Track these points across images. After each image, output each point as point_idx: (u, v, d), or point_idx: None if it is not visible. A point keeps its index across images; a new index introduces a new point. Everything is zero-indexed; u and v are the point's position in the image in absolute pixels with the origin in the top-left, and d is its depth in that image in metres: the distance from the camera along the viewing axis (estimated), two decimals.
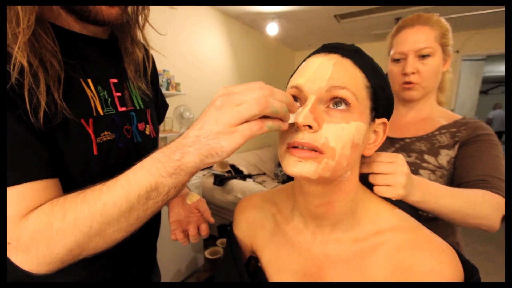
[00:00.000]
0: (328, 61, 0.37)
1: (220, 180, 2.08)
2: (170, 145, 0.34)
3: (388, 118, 0.41)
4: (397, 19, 3.02)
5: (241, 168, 2.61)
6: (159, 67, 1.91)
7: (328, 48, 0.39)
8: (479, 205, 0.54)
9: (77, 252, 0.35)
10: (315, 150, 0.34)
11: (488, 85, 6.86)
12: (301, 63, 0.42)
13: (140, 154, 0.55)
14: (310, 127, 0.34)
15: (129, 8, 0.56)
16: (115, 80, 0.53)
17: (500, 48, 3.25)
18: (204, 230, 0.57)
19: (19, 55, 0.37)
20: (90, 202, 0.34)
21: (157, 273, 0.72)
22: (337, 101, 0.35)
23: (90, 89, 0.47)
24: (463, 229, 0.71)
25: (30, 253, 0.34)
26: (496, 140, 0.67)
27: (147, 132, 0.59)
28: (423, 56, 0.68)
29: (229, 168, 2.47)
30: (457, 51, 3.43)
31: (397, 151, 0.72)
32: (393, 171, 0.44)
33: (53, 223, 0.34)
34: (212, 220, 0.59)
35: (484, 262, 2.25)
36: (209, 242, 2.10)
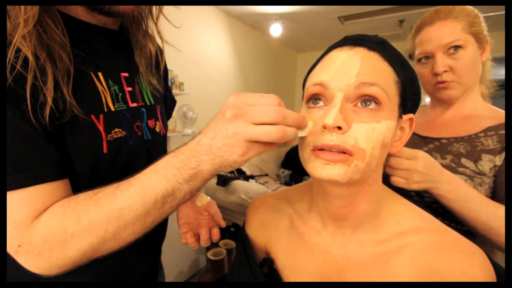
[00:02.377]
0: (354, 56, 0.35)
1: (223, 181, 2.07)
2: (183, 150, 0.33)
3: (414, 113, 0.39)
4: (401, 21, 3.02)
5: (244, 168, 2.60)
6: None
7: (352, 41, 0.37)
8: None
9: (90, 255, 0.35)
10: (343, 152, 0.32)
11: None
12: (321, 57, 0.40)
13: (150, 152, 0.53)
14: (339, 128, 0.32)
15: None
16: (126, 74, 0.51)
17: (500, 52, 3.24)
18: (216, 234, 0.55)
19: (23, 47, 0.34)
20: (105, 207, 0.33)
21: (162, 274, 0.70)
22: (366, 99, 0.33)
23: (101, 83, 0.45)
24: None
25: (42, 256, 0.33)
26: None
27: (157, 129, 0.57)
28: (454, 49, 0.60)
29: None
30: None
31: (430, 151, 0.65)
32: (409, 168, 0.47)
33: (66, 227, 0.33)
34: (223, 224, 0.57)
35: None
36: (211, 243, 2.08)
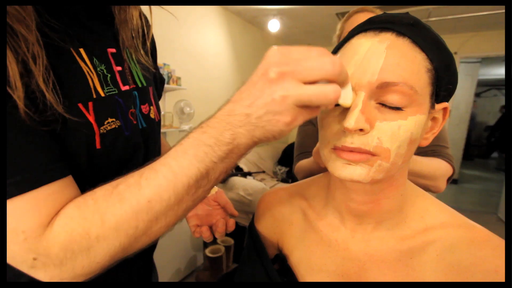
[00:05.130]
0: (379, 45, 0.31)
1: None
2: (212, 124, 0.28)
3: (448, 101, 0.36)
4: None
5: (241, 165, 2.57)
6: (159, 60, 1.85)
7: (378, 24, 0.32)
8: (434, 170, 0.67)
9: (120, 256, 0.31)
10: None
11: (481, 87, 6.98)
12: (343, 42, 0.36)
13: (147, 142, 0.47)
14: (361, 129, 0.30)
15: None
16: (114, 50, 0.42)
17: (496, 51, 3.29)
18: (232, 225, 0.52)
19: None
20: (131, 201, 0.28)
21: (155, 276, 0.66)
22: (391, 97, 0.30)
23: (85, 62, 0.36)
24: None
25: (64, 266, 0.28)
26: None
27: (152, 115, 0.49)
28: None
29: None
30: (455, 53, 3.47)
31: None
32: None
33: (89, 231, 0.28)
34: (236, 213, 0.54)
35: None
36: None
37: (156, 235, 0.32)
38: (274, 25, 3.05)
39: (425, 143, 0.35)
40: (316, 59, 0.25)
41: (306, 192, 0.48)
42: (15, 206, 0.27)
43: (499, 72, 5.34)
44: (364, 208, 0.37)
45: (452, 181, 0.75)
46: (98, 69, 0.38)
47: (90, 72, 0.37)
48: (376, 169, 0.31)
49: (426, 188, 0.68)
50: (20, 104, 0.27)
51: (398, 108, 0.30)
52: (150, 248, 0.58)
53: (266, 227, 0.50)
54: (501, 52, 3.25)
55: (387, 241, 0.37)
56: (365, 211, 0.38)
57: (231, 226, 0.52)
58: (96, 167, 0.37)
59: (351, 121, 0.29)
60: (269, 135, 0.27)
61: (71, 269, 0.29)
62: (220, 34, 2.81)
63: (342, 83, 0.27)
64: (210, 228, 0.53)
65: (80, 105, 0.34)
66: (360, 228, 0.39)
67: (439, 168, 0.69)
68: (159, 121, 0.54)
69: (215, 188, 0.56)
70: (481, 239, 0.33)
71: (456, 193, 4.02)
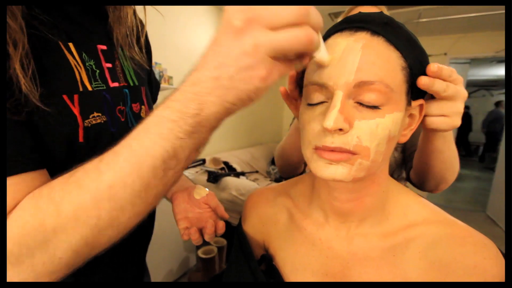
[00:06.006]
0: (355, 44, 0.31)
1: (214, 177, 2.03)
2: (176, 97, 0.25)
3: (424, 97, 0.36)
4: None
5: (234, 165, 2.56)
6: None
7: (353, 23, 0.33)
8: (456, 162, 0.53)
9: (85, 252, 0.28)
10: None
11: (470, 88, 7.13)
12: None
13: None
14: (340, 129, 0.30)
15: None
16: (104, 47, 0.42)
17: (485, 52, 3.36)
18: (222, 228, 0.51)
19: None
20: (89, 187, 0.26)
21: (148, 277, 0.65)
22: (368, 96, 0.31)
23: (73, 56, 0.36)
24: None
25: (22, 264, 0.26)
26: None
27: (142, 115, 0.49)
28: None
29: (223, 165, 2.42)
30: (445, 53, 3.52)
31: None
32: (455, 96, 0.34)
33: (44, 222, 0.26)
34: (226, 215, 0.53)
35: None
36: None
37: (125, 227, 0.29)
38: None
39: (404, 139, 0.36)
40: (280, 6, 0.23)
41: (291, 191, 0.48)
42: None
43: (488, 73, 5.45)
44: (347, 206, 0.38)
45: None
46: (87, 64, 0.39)
47: (78, 66, 0.37)
48: (357, 167, 0.31)
49: (439, 183, 0.57)
50: None
51: (375, 107, 0.31)
52: (142, 249, 0.57)
53: (252, 227, 0.50)
54: (490, 53, 3.31)
55: (370, 239, 0.38)
56: (349, 209, 0.38)
57: (221, 229, 0.51)
58: (78, 162, 0.36)
59: (330, 121, 0.29)
60: (244, 96, 0.24)
61: (30, 267, 0.26)
62: (212, 33, 2.81)
63: (314, 29, 0.24)
64: (200, 230, 0.52)
65: (64, 97, 0.34)
66: (344, 227, 0.39)
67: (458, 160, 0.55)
68: None
69: (206, 190, 0.55)
70: (462, 235, 0.33)
71: (446, 192, 4.09)
